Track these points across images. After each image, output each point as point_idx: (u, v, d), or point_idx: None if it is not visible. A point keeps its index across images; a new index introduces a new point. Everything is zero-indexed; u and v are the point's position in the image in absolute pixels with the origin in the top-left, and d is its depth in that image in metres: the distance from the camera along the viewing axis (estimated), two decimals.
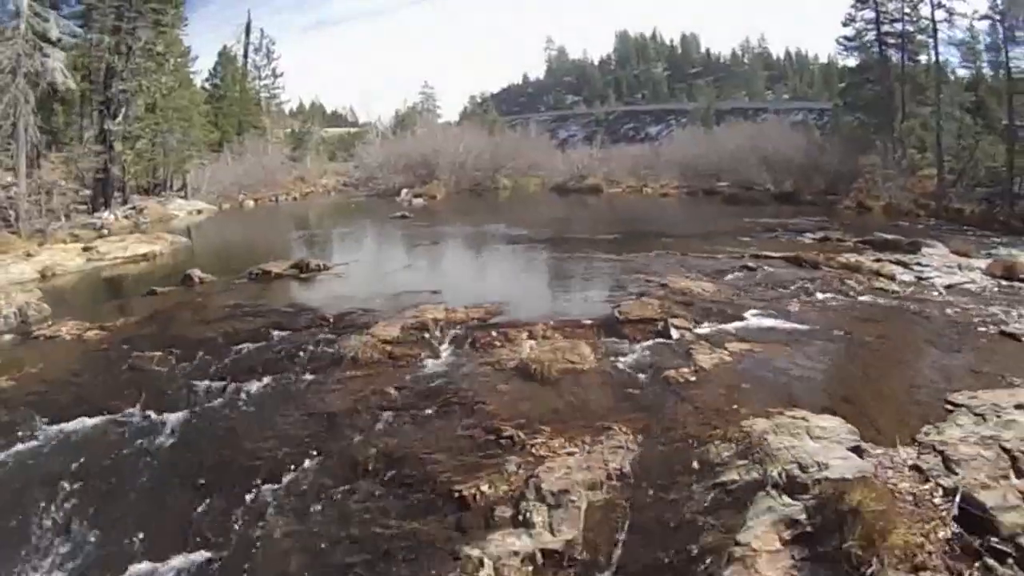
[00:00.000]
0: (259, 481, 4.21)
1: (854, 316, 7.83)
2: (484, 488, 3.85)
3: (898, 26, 25.42)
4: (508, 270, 10.44)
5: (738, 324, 7.10)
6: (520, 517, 3.60)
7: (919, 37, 24.88)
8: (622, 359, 5.91)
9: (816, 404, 4.86)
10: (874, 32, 25.94)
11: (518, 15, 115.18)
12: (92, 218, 19.30)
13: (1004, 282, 10.21)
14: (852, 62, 27.77)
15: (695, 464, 4.03)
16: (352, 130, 51.05)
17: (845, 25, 26.68)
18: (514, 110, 63.09)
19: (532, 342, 6.09)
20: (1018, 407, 4.94)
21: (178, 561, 3.68)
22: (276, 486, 4.16)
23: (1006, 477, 3.99)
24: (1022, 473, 4.05)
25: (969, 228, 16.73)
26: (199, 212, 24.07)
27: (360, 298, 8.33)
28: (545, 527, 3.45)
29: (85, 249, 14.89)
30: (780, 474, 3.71)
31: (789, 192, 24.22)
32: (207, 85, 35.34)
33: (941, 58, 24.68)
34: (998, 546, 3.33)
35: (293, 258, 11.30)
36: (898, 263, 11.51)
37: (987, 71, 24.46)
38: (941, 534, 3.46)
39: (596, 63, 72.45)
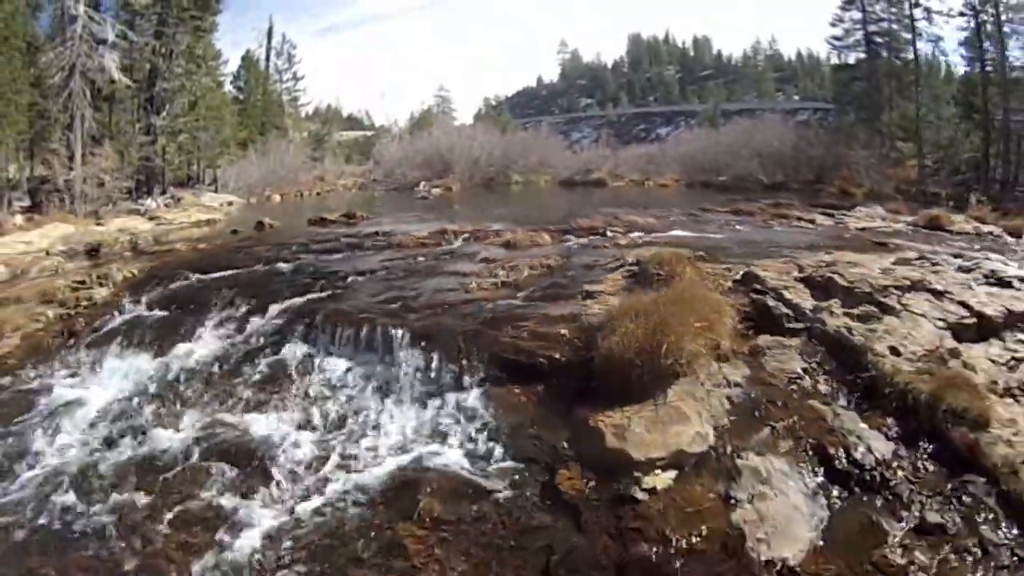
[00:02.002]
0: (350, 274, 8.23)
1: (758, 234, 11.26)
2: (475, 270, 7.82)
3: (884, 24, 28.83)
4: (506, 215, 14.27)
5: (661, 234, 10.80)
6: (493, 275, 7.46)
7: (903, 35, 28.26)
8: (569, 242, 9.79)
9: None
10: (861, 31, 29.45)
11: (532, 19, 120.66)
12: (136, 204, 23.32)
13: (924, 230, 12.51)
14: (851, 59, 30.72)
15: (592, 263, 7.78)
16: (368, 134, 55.60)
17: (833, 25, 29.83)
18: (528, 113, 66.93)
19: (512, 235, 9.87)
20: (827, 254, 7.98)
21: (307, 296, 7.50)
22: (360, 277, 8.17)
23: (788, 274, 7.06)
24: (803, 272, 7.06)
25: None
26: (230, 204, 28.09)
27: (397, 226, 12.23)
28: (504, 275, 7.42)
29: (151, 218, 18.93)
30: (632, 259, 7.43)
31: (780, 182, 27.38)
32: (232, 87, 39.96)
33: (933, 54, 28.15)
34: (763, 290, 6.63)
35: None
36: (824, 215, 14.70)
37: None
38: (723, 282, 6.84)
39: (609, 66, 76.46)
